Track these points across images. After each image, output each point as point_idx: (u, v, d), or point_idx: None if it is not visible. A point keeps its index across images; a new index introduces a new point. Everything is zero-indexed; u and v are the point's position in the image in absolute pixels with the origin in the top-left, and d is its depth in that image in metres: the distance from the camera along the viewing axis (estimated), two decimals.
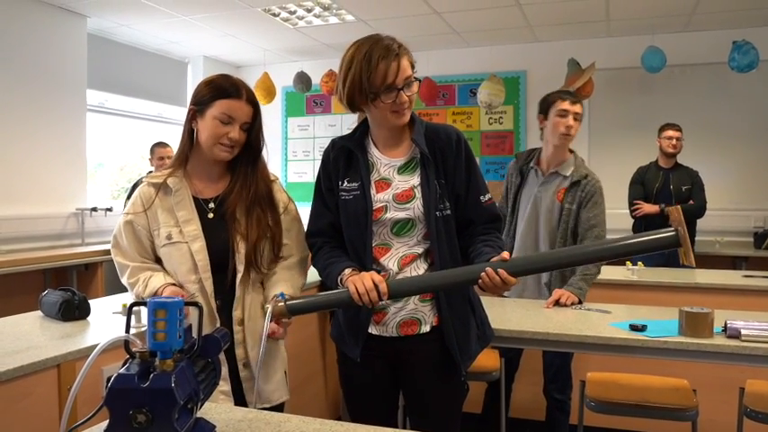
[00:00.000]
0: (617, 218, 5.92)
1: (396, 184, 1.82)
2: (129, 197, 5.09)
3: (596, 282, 3.57)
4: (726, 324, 2.13)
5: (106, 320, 2.37)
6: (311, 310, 1.85)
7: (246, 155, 1.90)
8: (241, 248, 1.82)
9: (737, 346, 2.05)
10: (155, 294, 1.77)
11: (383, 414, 1.93)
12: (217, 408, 1.39)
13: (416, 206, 1.79)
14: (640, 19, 5.57)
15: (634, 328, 2.22)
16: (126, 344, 1.11)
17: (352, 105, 1.80)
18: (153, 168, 5.24)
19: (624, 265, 3.82)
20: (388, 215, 1.80)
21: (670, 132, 4.75)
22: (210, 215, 1.87)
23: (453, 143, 1.82)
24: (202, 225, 1.84)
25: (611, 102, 6.24)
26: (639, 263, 3.85)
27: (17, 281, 4.44)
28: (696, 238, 4.90)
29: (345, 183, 1.85)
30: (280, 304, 1.71)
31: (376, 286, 1.64)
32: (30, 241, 4.96)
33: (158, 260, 1.90)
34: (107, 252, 5.16)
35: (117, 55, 6.21)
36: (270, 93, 6.46)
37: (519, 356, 3.04)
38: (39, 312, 2.44)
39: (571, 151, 2.85)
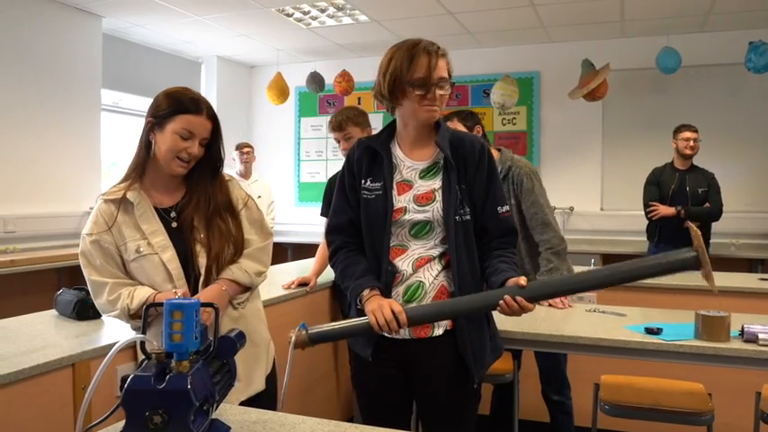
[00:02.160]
0: (630, 219, 5.90)
1: (417, 187, 1.84)
2: None
3: None
4: (743, 328, 2.10)
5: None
6: (332, 339, 1.86)
7: (205, 168, 1.88)
8: (202, 258, 1.82)
9: (755, 350, 2.02)
10: (142, 305, 1.73)
11: (395, 416, 1.92)
12: (231, 409, 1.39)
13: (436, 209, 1.80)
14: (655, 19, 5.53)
15: (649, 331, 2.21)
16: (142, 344, 1.11)
17: (391, 96, 1.82)
18: None
19: None
20: (407, 216, 1.81)
21: (687, 134, 4.67)
22: (174, 224, 1.85)
23: (477, 152, 1.84)
24: (168, 235, 1.83)
25: (625, 103, 6.19)
26: None
27: (31, 279, 4.48)
28: (711, 241, 4.85)
29: (368, 182, 1.87)
30: (302, 333, 1.72)
31: (396, 317, 1.67)
32: (44, 240, 4.99)
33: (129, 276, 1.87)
34: None
35: (131, 55, 6.24)
36: (283, 93, 6.47)
37: (519, 356, 3.03)
38: (53, 311, 2.46)
39: (498, 150, 2.88)
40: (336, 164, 7.00)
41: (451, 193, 1.79)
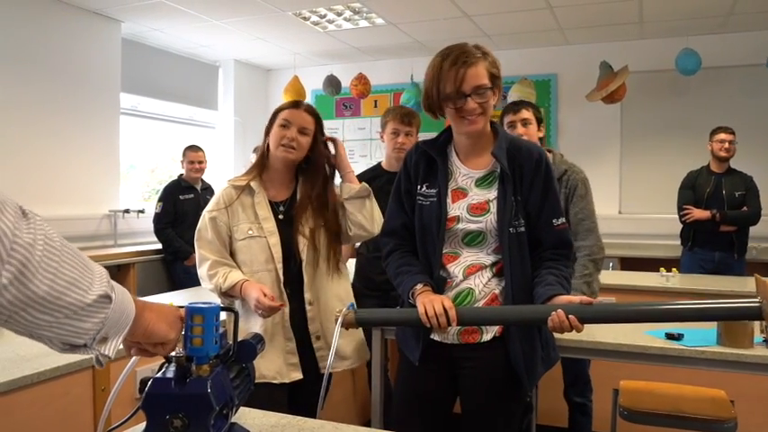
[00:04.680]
0: (649, 222, 5.85)
1: (471, 196, 1.83)
2: (160, 199, 5.18)
3: (628, 288, 3.52)
4: (767, 334, 2.07)
5: None
6: (378, 324, 1.88)
7: (312, 171, 2.21)
8: (303, 244, 2.15)
9: None
10: (233, 288, 2.06)
11: (429, 424, 1.89)
12: (251, 413, 1.39)
13: (490, 220, 1.79)
14: (674, 21, 5.48)
15: (670, 336, 2.18)
16: None
17: (431, 113, 1.84)
18: (183, 171, 5.29)
19: (658, 271, 3.75)
20: (460, 226, 1.81)
21: (723, 135, 4.60)
22: (281, 216, 2.19)
23: (534, 161, 1.81)
24: (276, 224, 2.16)
25: (644, 105, 6.14)
26: (674, 269, 3.78)
27: None
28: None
29: (424, 188, 1.87)
30: (350, 313, 1.77)
31: (446, 312, 1.67)
32: None
33: (231, 253, 2.19)
34: (139, 253, 5.24)
35: (150, 59, 6.29)
36: (299, 96, 6.48)
37: None
38: None
39: (549, 151, 2.87)
40: (353, 166, 7.00)
41: (506, 205, 1.77)
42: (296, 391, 2.15)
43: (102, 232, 5.47)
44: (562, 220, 1.84)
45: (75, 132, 5.21)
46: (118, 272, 4.98)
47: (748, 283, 3.55)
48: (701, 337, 2.17)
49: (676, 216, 4.81)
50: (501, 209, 1.78)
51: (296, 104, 2.24)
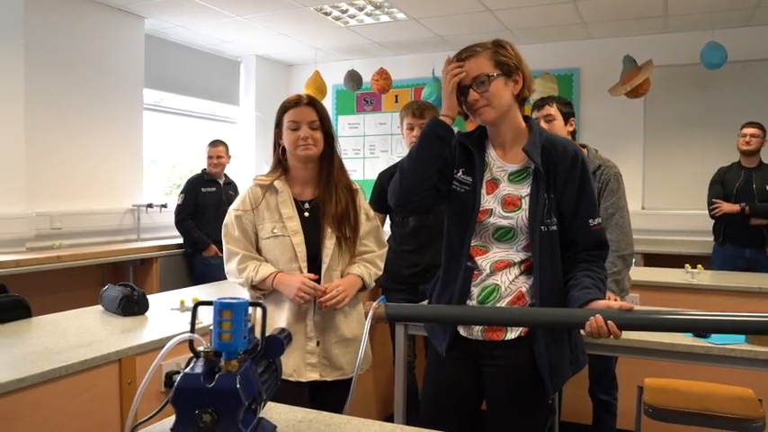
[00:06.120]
0: (672, 218, 5.78)
1: (504, 187, 1.81)
2: (183, 191, 5.21)
3: (654, 285, 3.48)
4: None
5: (164, 316, 2.42)
6: (408, 320, 1.87)
7: (327, 157, 2.21)
8: (327, 248, 2.13)
9: None
10: (264, 281, 2.08)
11: (457, 419, 1.88)
12: (277, 408, 1.39)
13: (521, 217, 1.77)
14: (699, 14, 5.39)
15: (698, 334, 2.15)
16: (190, 343, 1.12)
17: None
18: (206, 166, 5.32)
19: (682, 267, 3.71)
20: (492, 220, 1.79)
21: (745, 129, 4.62)
22: (306, 214, 2.17)
23: (569, 160, 1.79)
24: (301, 222, 2.15)
25: (668, 100, 6.05)
26: (699, 265, 3.73)
27: (76, 274, 4.58)
28: None
29: (460, 173, 1.86)
30: (381, 308, 1.76)
31: None
32: (88, 236, 5.10)
33: (258, 251, 2.19)
34: (162, 248, 5.30)
35: (172, 55, 6.33)
36: (321, 91, 6.49)
37: None
38: (99, 306, 2.51)
39: (583, 146, 2.84)
40: (373, 162, 7.01)
41: (539, 202, 1.75)
42: (317, 389, 2.15)
43: (125, 226, 5.52)
44: (598, 220, 1.81)
45: (99, 127, 5.26)
46: (141, 265, 5.03)
47: (764, 280, 3.49)
48: (728, 335, 2.14)
49: (700, 212, 4.77)
50: (533, 206, 1.75)
51: (296, 101, 2.23)
